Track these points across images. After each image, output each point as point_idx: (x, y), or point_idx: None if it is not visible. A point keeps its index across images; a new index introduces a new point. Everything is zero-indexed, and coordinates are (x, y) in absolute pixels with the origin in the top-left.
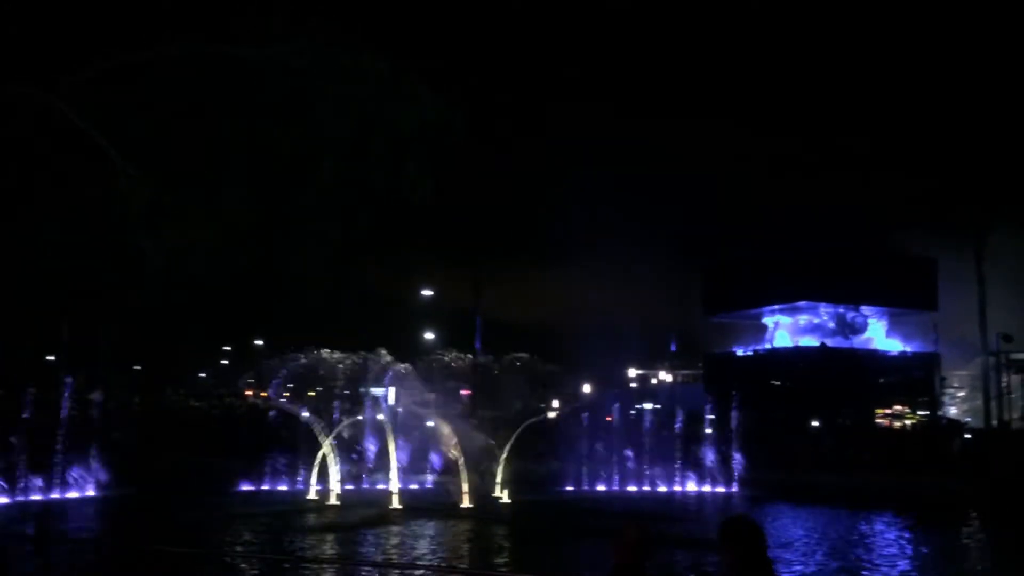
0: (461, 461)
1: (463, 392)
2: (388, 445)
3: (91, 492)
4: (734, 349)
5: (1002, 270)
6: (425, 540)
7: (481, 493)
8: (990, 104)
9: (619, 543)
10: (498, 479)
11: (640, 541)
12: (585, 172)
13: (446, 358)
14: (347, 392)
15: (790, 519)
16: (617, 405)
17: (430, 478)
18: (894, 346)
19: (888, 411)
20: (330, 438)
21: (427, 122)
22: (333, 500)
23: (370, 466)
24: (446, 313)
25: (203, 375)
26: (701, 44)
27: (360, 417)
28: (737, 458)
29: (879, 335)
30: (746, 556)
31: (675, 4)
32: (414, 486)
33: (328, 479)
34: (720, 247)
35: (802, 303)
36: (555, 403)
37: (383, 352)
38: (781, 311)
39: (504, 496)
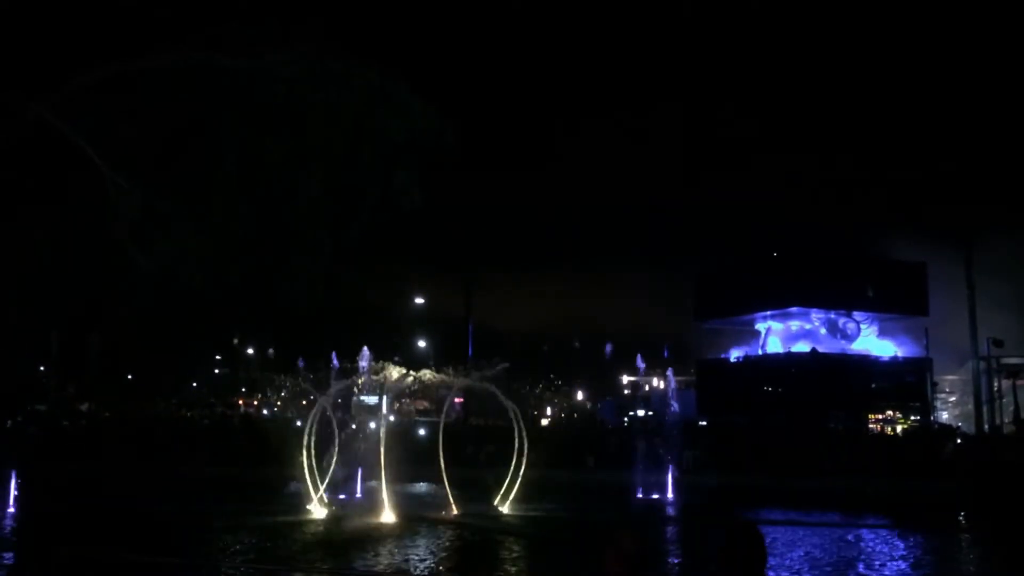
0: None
1: (456, 400)
2: (380, 454)
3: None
4: (726, 355)
5: (992, 274)
6: (420, 549)
7: (476, 502)
8: (978, 108)
9: (614, 554)
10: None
11: (636, 551)
12: (578, 179)
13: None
14: (339, 400)
15: (783, 528)
16: (612, 412)
17: (422, 487)
18: (886, 351)
19: (880, 416)
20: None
21: (417, 130)
22: (324, 510)
23: (363, 475)
24: (438, 321)
25: (195, 384)
26: (687, 50)
27: (354, 426)
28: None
29: (871, 340)
30: (747, 566)
31: (665, 12)
32: (407, 494)
33: (320, 488)
34: (711, 254)
35: (793, 309)
36: (548, 410)
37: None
38: (773, 317)
39: (497, 504)
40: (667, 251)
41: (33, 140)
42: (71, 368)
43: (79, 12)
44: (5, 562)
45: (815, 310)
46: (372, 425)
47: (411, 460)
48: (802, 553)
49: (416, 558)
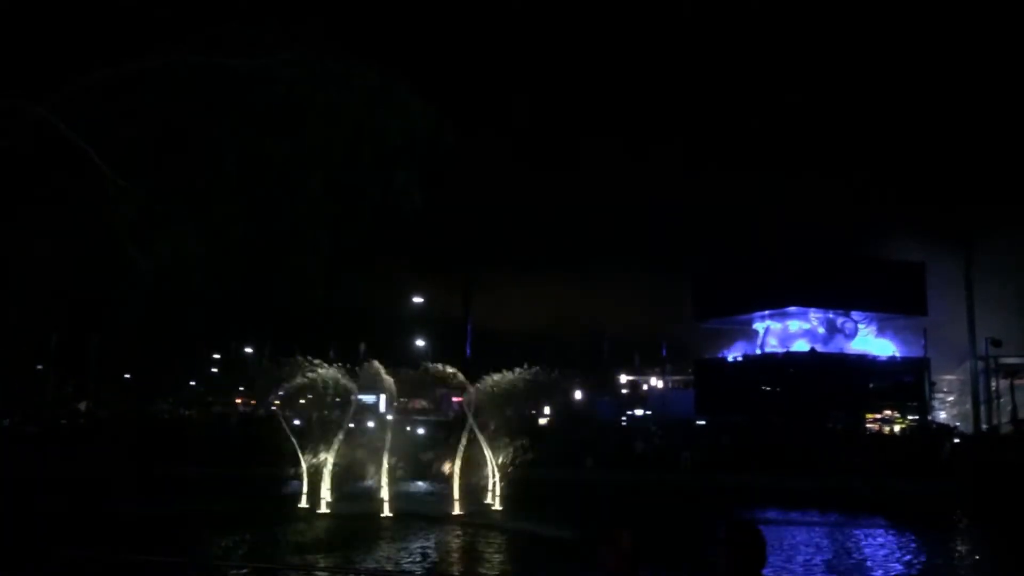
0: (454, 469)
1: (455, 399)
2: (379, 452)
3: None
4: (724, 355)
5: (991, 274)
6: (418, 548)
7: (473, 500)
8: (977, 110)
9: (611, 551)
10: (490, 486)
11: (633, 549)
12: (578, 179)
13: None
14: (338, 399)
15: (781, 527)
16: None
17: (421, 485)
18: (884, 350)
19: (878, 416)
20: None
21: (417, 131)
22: (323, 508)
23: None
24: (436, 321)
25: (193, 383)
26: (688, 50)
27: (352, 425)
28: None
29: (869, 340)
30: (745, 564)
31: (666, 12)
32: (406, 492)
33: (319, 487)
34: (710, 253)
35: (792, 308)
36: (547, 410)
37: (376, 364)
38: (771, 316)
39: (496, 503)
40: (667, 251)
41: (33, 140)
42: (71, 368)
43: (79, 12)
44: (4, 562)
45: (813, 309)
46: (371, 424)
47: (410, 458)
48: (800, 552)
49: (415, 556)
